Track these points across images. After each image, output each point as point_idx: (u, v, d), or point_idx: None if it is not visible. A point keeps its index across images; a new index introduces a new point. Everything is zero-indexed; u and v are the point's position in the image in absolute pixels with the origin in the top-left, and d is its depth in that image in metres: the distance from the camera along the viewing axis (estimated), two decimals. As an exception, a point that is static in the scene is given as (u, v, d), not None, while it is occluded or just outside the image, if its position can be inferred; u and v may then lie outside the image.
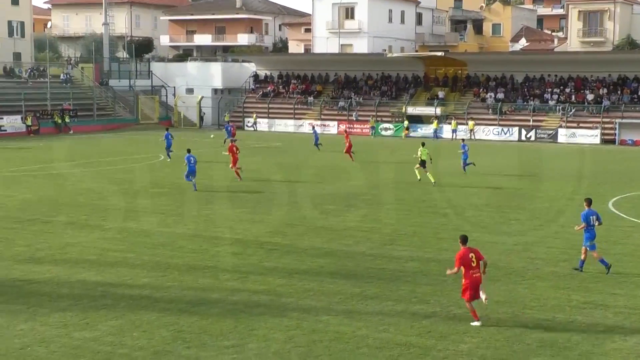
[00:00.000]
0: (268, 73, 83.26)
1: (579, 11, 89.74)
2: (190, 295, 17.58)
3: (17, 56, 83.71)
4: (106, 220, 26.72)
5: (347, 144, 45.80)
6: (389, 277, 19.32)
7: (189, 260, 20.97)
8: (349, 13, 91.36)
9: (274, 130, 74.67)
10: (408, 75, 76.85)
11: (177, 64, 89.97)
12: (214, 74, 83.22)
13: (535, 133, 65.97)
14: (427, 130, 69.04)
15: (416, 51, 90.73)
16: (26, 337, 14.71)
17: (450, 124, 67.92)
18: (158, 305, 16.72)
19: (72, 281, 18.81)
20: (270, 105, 77.67)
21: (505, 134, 66.92)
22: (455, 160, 41.13)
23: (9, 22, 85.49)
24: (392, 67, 77.33)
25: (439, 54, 78.82)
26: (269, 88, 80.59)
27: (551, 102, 68.62)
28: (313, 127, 62.51)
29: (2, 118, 65.83)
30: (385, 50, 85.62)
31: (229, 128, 57.87)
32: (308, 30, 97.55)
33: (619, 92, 67.41)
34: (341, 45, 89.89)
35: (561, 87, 69.81)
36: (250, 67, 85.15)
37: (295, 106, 76.66)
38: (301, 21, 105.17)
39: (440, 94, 72.76)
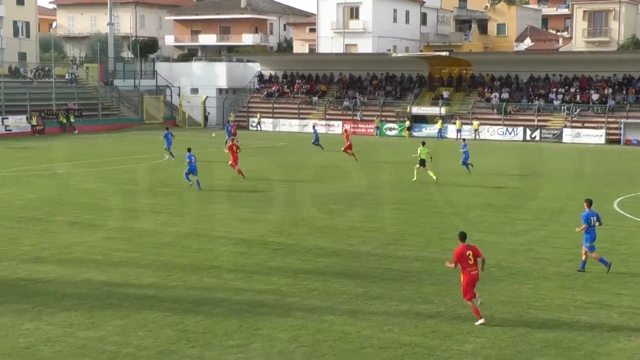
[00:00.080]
0: (273, 73, 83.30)
1: (584, 11, 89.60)
2: (195, 295, 17.61)
3: (22, 56, 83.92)
4: (111, 219, 26.76)
5: (347, 143, 46.38)
6: (394, 277, 19.33)
7: (194, 260, 21.00)
8: (354, 13, 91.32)
9: (279, 130, 74.69)
10: (413, 75, 76.83)
11: (181, 63, 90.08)
12: (219, 74, 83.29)
13: (540, 133, 65.89)
14: (431, 130, 69.03)
15: (421, 51, 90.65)
16: (31, 337, 14.75)
17: (454, 123, 67.87)
18: (163, 305, 16.75)
19: (77, 281, 18.85)
20: (275, 105, 77.69)
21: (510, 134, 66.85)
22: (459, 160, 41.12)
23: (14, 22, 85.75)
24: (396, 67, 77.32)
25: (444, 53, 78.76)
26: (273, 88, 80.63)
27: (556, 102, 68.54)
28: (314, 126, 62.48)
29: (7, 118, 65.98)
30: (389, 50, 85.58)
31: (229, 128, 57.82)
32: (313, 30, 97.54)
33: (624, 92, 67.29)
34: (346, 45, 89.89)
35: (566, 87, 69.73)
36: (255, 67, 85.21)
37: (300, 106, 76.67)
38: (306, 21, 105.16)
39: (445, 94, 72.72)
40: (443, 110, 70.35)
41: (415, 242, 23.39)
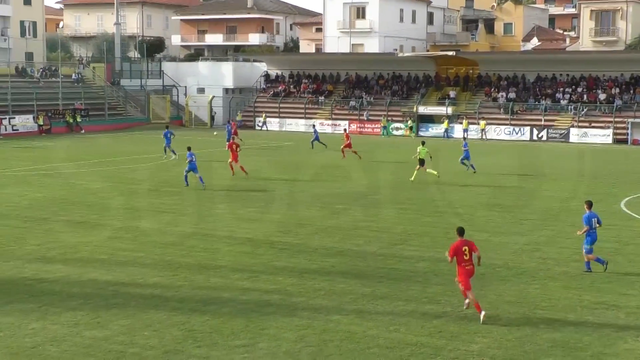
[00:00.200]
0: (279, 73, 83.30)
1: (591, 10, 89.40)
2: (201, 295, 17.60)
3: (29, 56, 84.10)
4: (116, 219, 26.78)
5: (347, 142, 46.90)
6: (400, 277, 19.30)
7: (200, 260, 20.99)
8: (360, 13, 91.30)
9: (285, 129, 74.68)
10: (419, 74, 76.74)
11: (188, 63, 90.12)
12: (225, 73, 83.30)
13: (547, 133, 65.73)
14: (438, 129, 68.95)
15: (427, 51, 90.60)
16: (37, 336, 14.75)
17: (461, 123, 67.74)
18: (169, 305, 16.74)
19: (83, 280, 18.86)
20: (281, 105, 77.67)
21: (517, 133, 66.70)
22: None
23: (21, 22, 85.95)
24: (403, 66, 77.22)
25: (450, 53, 78.62)
26: (280, 88, 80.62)
27: (563, 102, 68.36)
28: (313, 126, 62.37)
29: (14, 117, 66.10)
30: (396, 49, 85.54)
31: (229, 127, 57.65)
32: (319, 30, 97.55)
33: (631, 91, 67.07)
34: (352, 44, 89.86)
35: (573, 87, 69.55)
36: (262, 67, 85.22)
37: (306, 106, 76.63)
38: (312, 21, 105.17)
39: (452, 94, 72.61)
40: (450, 110, 70.25)
41: (421, 242, 23.36)
